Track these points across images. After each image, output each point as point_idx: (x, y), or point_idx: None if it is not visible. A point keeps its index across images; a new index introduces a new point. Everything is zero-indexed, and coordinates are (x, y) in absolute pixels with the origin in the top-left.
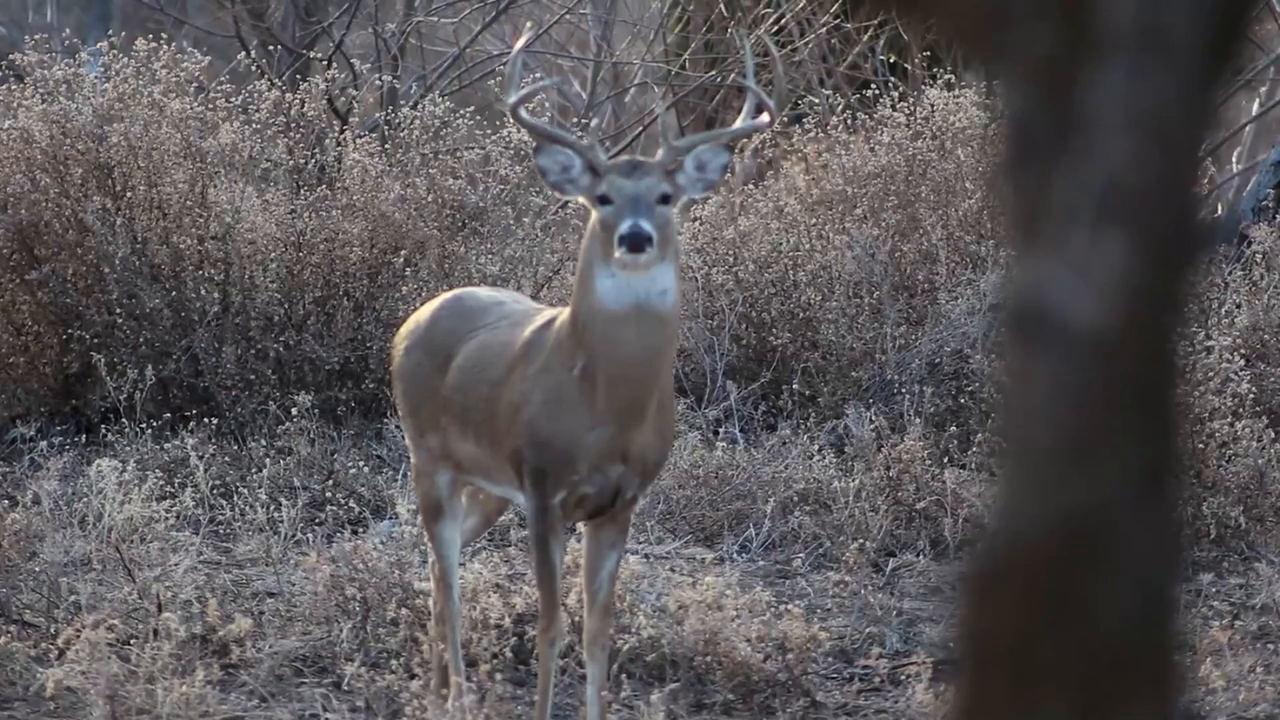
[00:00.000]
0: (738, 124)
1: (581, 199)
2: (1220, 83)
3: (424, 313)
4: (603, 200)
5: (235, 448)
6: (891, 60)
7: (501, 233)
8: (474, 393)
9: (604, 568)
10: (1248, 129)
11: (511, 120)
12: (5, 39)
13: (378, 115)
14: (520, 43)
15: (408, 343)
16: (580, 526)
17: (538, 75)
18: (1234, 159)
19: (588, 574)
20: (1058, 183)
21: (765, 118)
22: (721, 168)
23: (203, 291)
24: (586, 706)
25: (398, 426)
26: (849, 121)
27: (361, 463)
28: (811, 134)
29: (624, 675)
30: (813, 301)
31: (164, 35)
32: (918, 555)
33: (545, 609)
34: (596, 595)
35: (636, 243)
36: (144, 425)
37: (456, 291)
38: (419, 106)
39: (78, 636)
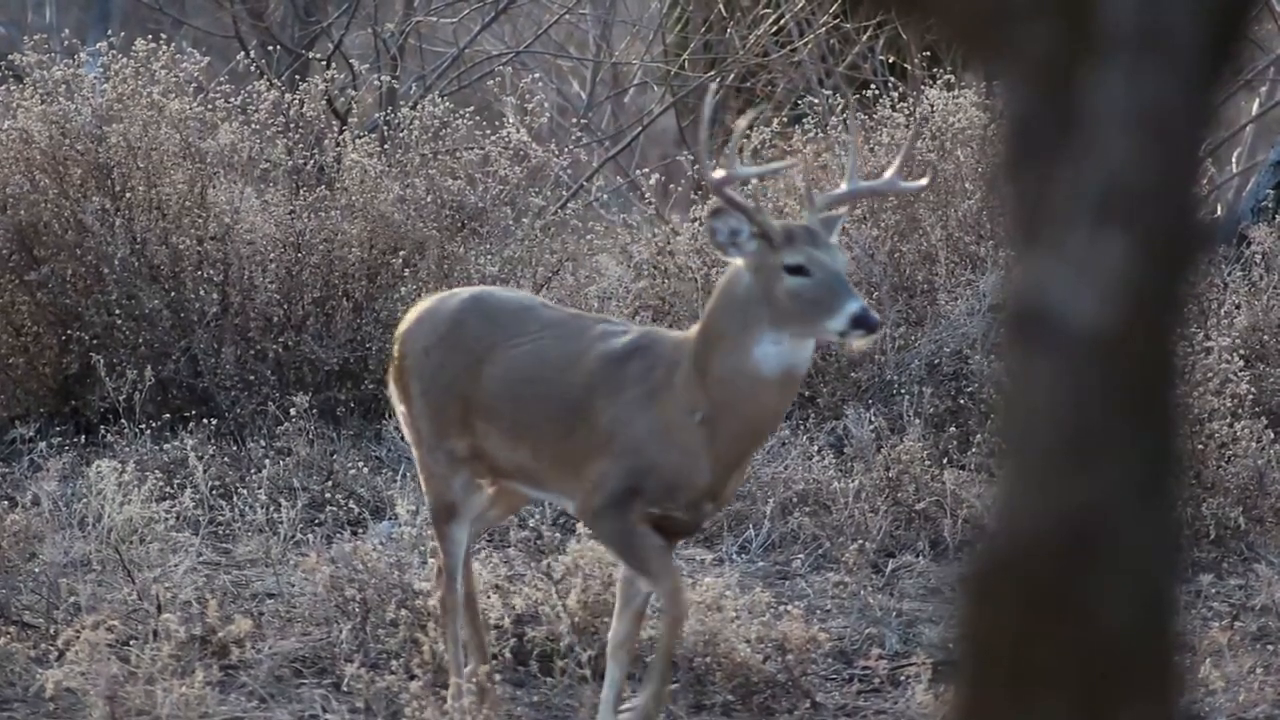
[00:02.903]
0: (886, 177)
1: (740, 262)
2: (1220, 83)
3: (439, 312)
4: (796, 270)
5: (235, 448)
6: (891, 60)
7: (501, 233)
8: (534, 407)
9: None
10: (1248, 129)
11: (711, 191)
12: (5, 39)
13: (377, 116)
14: (741, 122)
15: (425, 343)
16: (583, 528)
17: (537, 76)
18: (1234, 159)
19: (628, 579)
20: (1058, 183)
21: (925, 181)
22: (838, 227)
23: (202, 292)
24: (601, 707)
25: (396, 428)
26: (848, 122)
27: (361, 463)
28: (811, 134)
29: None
30: None
31: (163, 35)
32: (917, 556)
33: (673, 586)
34: (632, 600)
35: (874, 326)
36: (143, 426)
37: (473, 291)
38: (418, 107)
39: (77, 637)
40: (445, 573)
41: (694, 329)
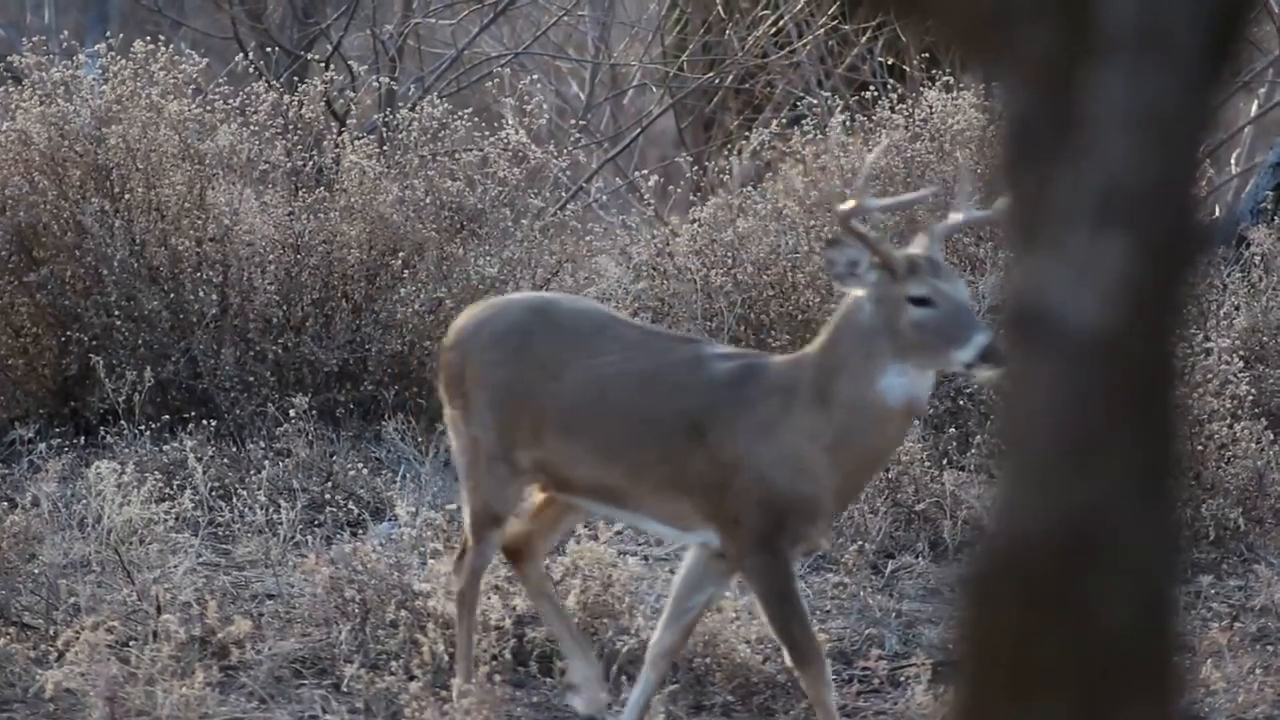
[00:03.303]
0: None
1: (860, 293)
2: (1219, 84)
3: (502, 321)
4: (920, 302)
5: (234, 450)
6: (890, 62)
7: (500, 234)
8: (631, 430)
9: (704, 592)
10: (1246, 131)
11: (840, 228)
12: (3, 41)
13: (376, 117)
14: (871, 156)
15: (493, 354)
16: (582, 529)
17: (536, 78)
18: (1233, 161)
19: (683, 590)
20: (1057, 184)
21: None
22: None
23: (201, 293)
24: (628, 709)
25: (396, 429)
26: (848, 123)
27: (360, 465)
28: (810, 136)
29: (623, 676)
30: (812, 303)
31: (162, 37)
32: (917, 557)
33: (813, 656)
34: (686, 614)
35: (1003, 359)
36: (143, 427)
37: (536, 300)
38: (417, 108)
39: (77, 638)
40: (472, 571)
41: (803, 354)
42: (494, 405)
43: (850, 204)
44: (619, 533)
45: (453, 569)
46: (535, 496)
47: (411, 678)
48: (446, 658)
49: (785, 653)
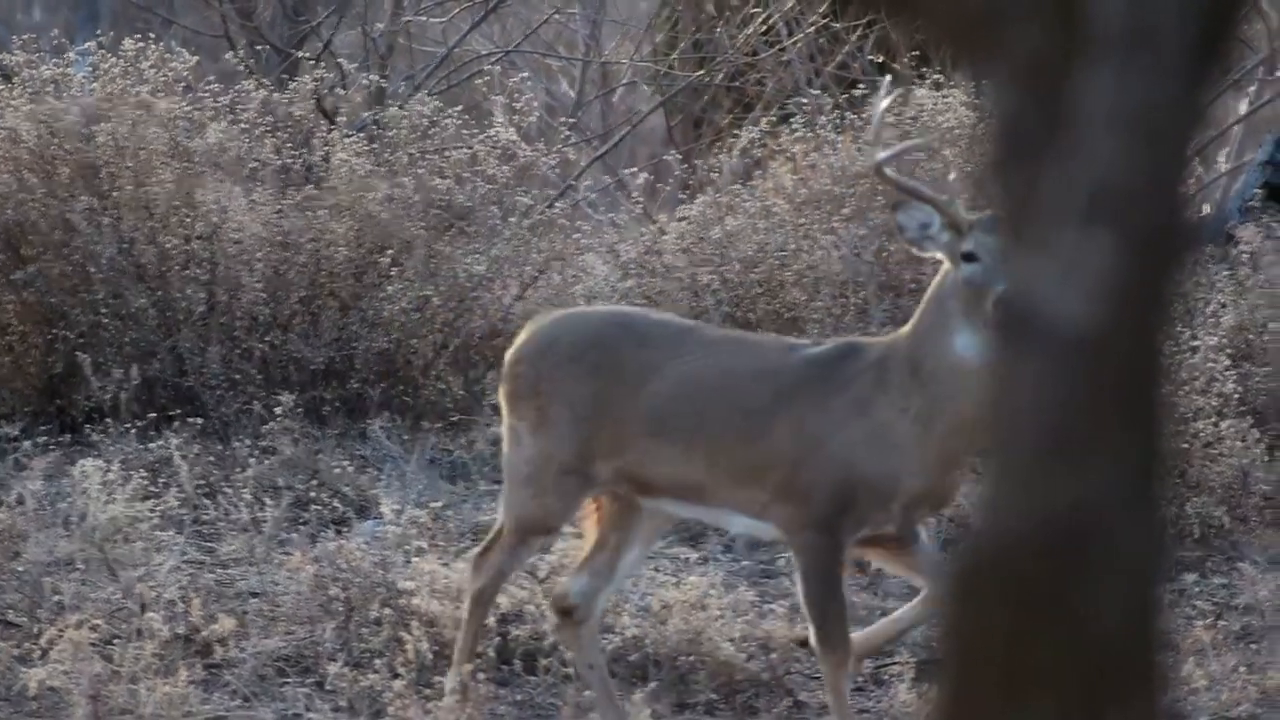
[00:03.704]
0: None
1: (940, 256)
2: (1209, 83)
3: (580, 336)
4: (968, 258)
5: (219, 447)
6: (880, 60)
7: (488, 232)
8: (716, 416)
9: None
10: (1235, 129)
11: (875, 178)
12: None
13: (365, 115)
14: (882, 104)
15: (574, 368)
16: (566, 527)
17: (525, 76)
18: (1221, 158)
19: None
20: (1045, 182)
21: None
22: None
23: (188, 291)
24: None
25: (381, 427)
26: (837, 121)
27: (346, 462)
28: (799, 134)
29: (610, 675)
30: (799, 301)
31: (152, 35)
32: None
33: (840, 643)
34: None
35: None
36: (128, 425)
37: (615, 314)
38: (406, 106)
39: (61, 636)
40: (500, 572)
41: (900, 330)
42: (576, 419)
43: (879, 158)
44: None
45: (473, 565)
46: (587, 543)
47: (395, 676)
48: (430, 656)
49: (811, 632)
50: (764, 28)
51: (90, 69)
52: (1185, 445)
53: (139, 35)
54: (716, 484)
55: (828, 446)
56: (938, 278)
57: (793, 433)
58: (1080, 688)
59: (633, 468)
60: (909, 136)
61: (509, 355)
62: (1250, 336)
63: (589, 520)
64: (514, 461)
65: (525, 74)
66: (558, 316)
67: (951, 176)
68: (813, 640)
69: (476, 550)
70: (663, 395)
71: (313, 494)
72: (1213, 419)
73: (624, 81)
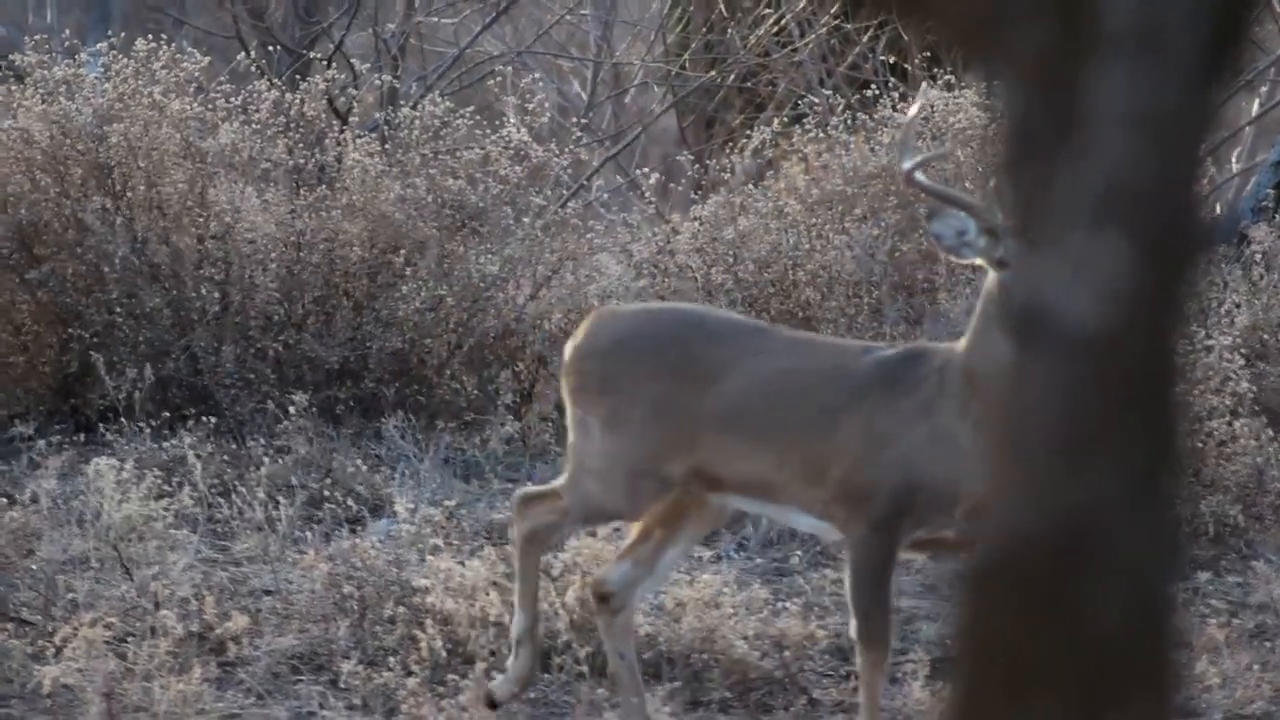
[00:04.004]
0: None
1: (980, 262)
2: (1220, 83)
3: (648, 334)
4: (1002, 265)
5: (234, 447)
6: (892, 61)
7: (501, 232)
8: (786, 413)
9: None
10: (1247, 129)
11: (905, 185)
12: (5, 40)
13: (378, 115)
14: (912, 110)
15: (647, 365)
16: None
17: (537, 76)
18: (1234, 159)
19: None
20: (1057, 183)
21: None
22: None
23: (202, 291)
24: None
25: (396, 426)
26: (849, 122)
27: (360, 461)
28: (812, 134)
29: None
30: (813, 301)
31: (164, 35)
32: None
33: (880, 642)
34: None
35: None
36: (142, 424)
37: (685, 311)
38: (419, 107)
39: (75, 634)
40: (552, 528)
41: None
42: (649, 416)
43: (906, 165)
44: (617, 530)
45: (519, 507)
46: (633, 532)
47: (409, 674)
48: (444, 654)
49: (854, 627)
50: (776, 28)
51: (102, 70)
52: (1199, 445)
53: (151, 36)
54: (784, 482)
55: (893, 447)
56: (985, 284)
57: (860, 431)
58: (1092, 687)
59: (704, 465)
60: (921, 137)
61: (572, 350)
62: (1264, 336)
63: None
64: (584, 452)
65: (537, 74)
66: (624, 312)
67: (991, 183)
68: (853, 635)
69: (525, 492)
70: (734, 392)
71: (327, 493)
72: (1227, 418)
73: (636, 82)
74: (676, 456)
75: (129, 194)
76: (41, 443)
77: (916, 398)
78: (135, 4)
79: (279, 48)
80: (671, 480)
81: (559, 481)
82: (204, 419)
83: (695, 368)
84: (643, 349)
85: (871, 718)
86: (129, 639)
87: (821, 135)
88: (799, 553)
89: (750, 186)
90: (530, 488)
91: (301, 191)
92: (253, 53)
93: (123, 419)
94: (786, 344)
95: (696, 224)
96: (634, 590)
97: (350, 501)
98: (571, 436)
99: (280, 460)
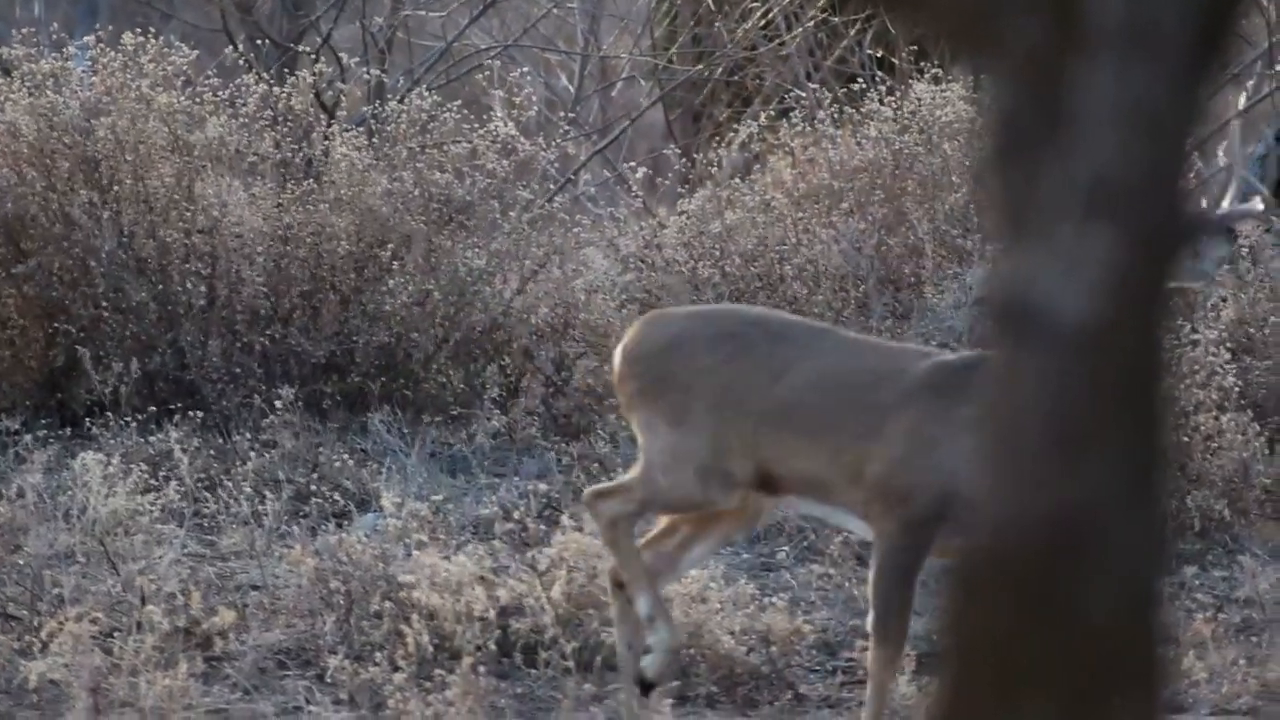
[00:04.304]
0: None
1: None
2: (1208, 78)
3: (715, 329)
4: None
5: (220, 441)
6: (879, 55)
7: (488, 226)
8: (840, 409)
9: None
10: (1234, 123)
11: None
12: None
13: (365, 109)
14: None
15: (710, 360)
16: (567, 519)
17: (525, 70)
18: (1220, 153)
19: None
20: (1045, 177)
21: (1259, 203)
22: (1219, 260)
23: (189, 285)
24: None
25: (382, 420)
26: (836, 116)
27: (346, 456)
28: (798, 128)
29: (607, 668)
30: (799, 295)
31: (151, 29)
32: None
33: (897, 641)
34: None
35: None
36: (129, 419)
37: (749, 309)
38: (406, 100)
39: (61, 629)
40: (630, 519)
41: None
42: (712, 411)
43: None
44: None
45: (591, 502)
46: (659, 523)
47: (396, 669)
48: (430, 649)
49: (870, 621)
50: (763, 22)
51: (89, 63)
52: (1186, 439)
53: (138, 29)
54: (836, 481)
55: (937, 452)
56: None
57: (906, 433)
58: (1080, 682)
59: (765, 464)
60: (908, 131)
61: (624, 354)
62: (1251, 330)
63: None
64: (652, 449)
65: (524, 68)
66: (678, 313)
67: None
68: (869, 628)
69: (595, 489)
70: (795, 387)
71: (313, 487)
72: (1213, 413)
73: (623, 76)
74: (739, 454)
75: (116, 188)
76: (28, 437)
77: (969, 406)
78: None
79: (266, 41)
80: (737, 479)
81: (628, 477)
82: (190, 413)
83: (761, 366)
84: (707, 345)
85: (877, 713)
86: (115, 634)
87: (808, 129)
88: (786, 548)
89: (737, 180)
90: (600, 485)
91: (288, 185)
92: (240, 46)
93: (109, 413)
94: (848, 344)
95: (683, 218)
96: (660, 580)
97: (336, 496)
98: (640, 439)
99: (266, 455)
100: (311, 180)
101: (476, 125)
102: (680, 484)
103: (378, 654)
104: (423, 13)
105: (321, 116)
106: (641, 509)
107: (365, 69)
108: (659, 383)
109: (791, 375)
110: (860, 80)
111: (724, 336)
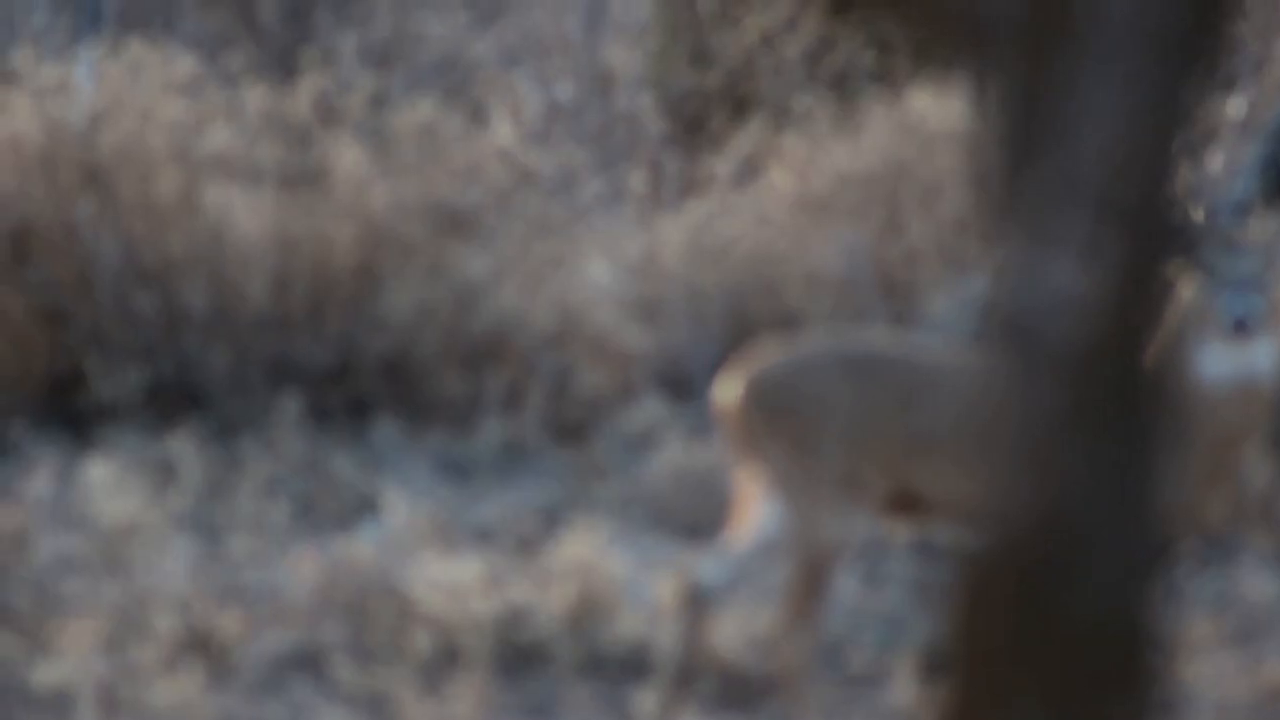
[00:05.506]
0: None
1: None
2: (1203, 82)
3: (837, 367)
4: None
5: (225, 447)
6: (876, 59)
7: (489, 234)
8: (967, 436)
9: None
10: (1229, 128)
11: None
12: None
13: (366, 117)
14: None
15: (851, 387)
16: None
17: (525, 78)
18: (1215, 158)
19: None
20: (1041, 181)
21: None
22: (1216, 264)
23: (193, 293)
24: None
25: (387, 428)
26: (834, 123)
27: (351, 462)
28: (796, 136)
29: (614, 672)
30: (798, 303)
31: (155, 38)
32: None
33: None
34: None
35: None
36: (134, 425)
37: (877, 336)
38: (407, 108)
39: (67, 635)
40: (811, 634)
41: None
42: (852, 450)
43: None
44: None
45: (785, 629)
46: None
47: (400, 674)
48: (437, 654)
49: None
50: (761, 30)
51: (93, 71)
52: None
53: (142, 37)
54: (970, 501)
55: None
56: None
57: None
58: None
59: (911, 493)
60: (905, 137)
61: (744, 388)
62: None
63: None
64: (789, 488)
65: (525, 76)
66: (798, 347)
67: None
68: None
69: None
70: (935, 414)
71: (318, 494)
72: None
73: (623, 84)
74: (873, 485)
75: (119, 196)
76: (34, 444)
77: None
78: (126, 6)
79: (269, 49)
80: (872, 511)
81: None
82: (195, 420)
83: (898, 389)
84: (841, 373)
85: None
86: (122, 640)
87: (806, 137)
88: None
89: (735, 188)
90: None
91: (291, 193)
92: (242, 54)
93: (115, 420)
94: (979, 367)
95: (682, 226)
96: (730, 592)
97: (341, 502)
98: (774, 469)
99: (271, 461)
100: (314, 187)
101: (477, 133)
102: (824, 516)
103: (382, 659)
104: (424, 21)
105: (324, 124)
106: (817, 582)
107: (367, 77)
108: (787, 412)
109: (929, 396)
110: (858, 85)
111: (853, 374)
